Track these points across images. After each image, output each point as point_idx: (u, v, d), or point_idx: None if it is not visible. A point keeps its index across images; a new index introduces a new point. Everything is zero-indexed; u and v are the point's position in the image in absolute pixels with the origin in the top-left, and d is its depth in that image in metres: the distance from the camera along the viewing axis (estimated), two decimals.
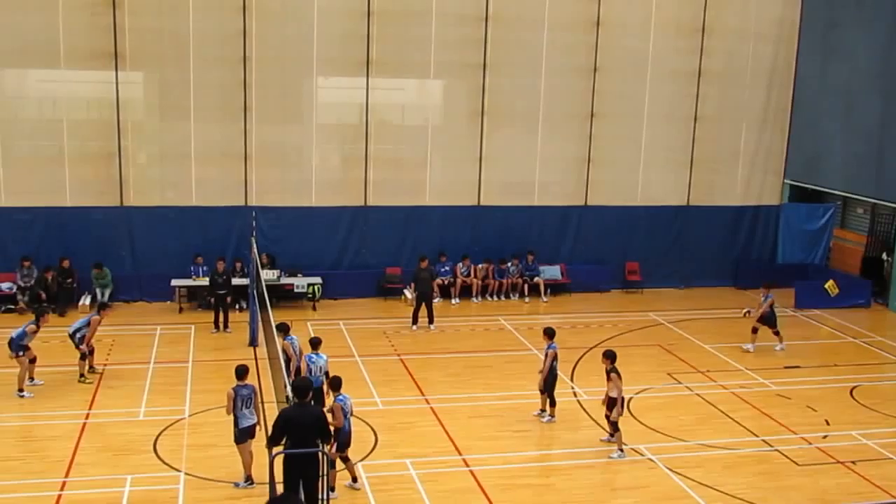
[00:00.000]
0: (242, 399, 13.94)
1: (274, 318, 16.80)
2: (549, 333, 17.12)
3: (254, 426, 14.07)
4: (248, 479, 14.06)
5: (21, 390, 17.72)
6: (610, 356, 15.88)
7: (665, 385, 19.35)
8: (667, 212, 27.65)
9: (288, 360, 15.83)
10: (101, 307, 19.44)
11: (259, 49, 24.47)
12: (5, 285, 23.71)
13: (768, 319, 21.82)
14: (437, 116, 26.86)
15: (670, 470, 15.12)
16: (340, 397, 13.72)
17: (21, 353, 17.83)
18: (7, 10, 23.13)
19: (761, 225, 28.64)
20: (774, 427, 17.17)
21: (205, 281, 23.42)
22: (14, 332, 18.02)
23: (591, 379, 18.78)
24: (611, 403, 15.66)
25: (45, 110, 24.62)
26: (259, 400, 14.32)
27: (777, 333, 21.90)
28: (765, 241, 28.76)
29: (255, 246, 20.93)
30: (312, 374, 15.62)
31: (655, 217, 27.47)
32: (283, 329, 16.56)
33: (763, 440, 16.54)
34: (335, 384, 13.75)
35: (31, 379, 18.14)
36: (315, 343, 16.12)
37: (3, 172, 23.80)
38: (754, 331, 21.84)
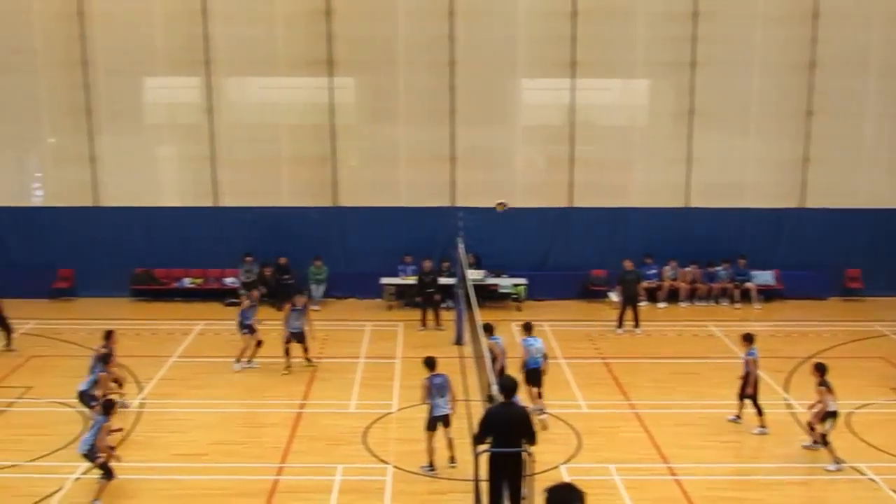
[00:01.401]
0: (437, 388, 14.42)
1: (480, 317, 16.99)
2: (749, 339, 16.55)
3: (447, 416, 14.46)
4: (430, 466, 14.50)
5: (238, 360, 19.38)
6: (820, 369, 15.19)
7: (889, 400, 18.14)
8: (893, 215, 25.89)
9: (493, 360, 15.99)
10: (291, 297, 20.35)
11: (465, 52, 24.84)
12: (229, 280, 25.21)
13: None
14: (642, 117, 26.37)
15: (895, 492, 14.16)
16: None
17: (246, 332, 19.40)
18: (231, 22, 24.59)
19: None
20: None
21: (413, 280, 24.03)
22: (240, 315, 19.53)
23: (806, 390, 17.77)
24: (823, 416, 14.94)
25: (265, 115, 25.94)
26: (453, 390, 14.73)
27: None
28: None
29: (461, 246, 21.24)
30: (530, 356, 16.45)
31: (880, 220, 25.74)
32: (489, 329, 16.78)
33: None
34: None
35: (249, 361, 19.46)
36: (528, 327, 17.00)
37: (228, 174, 25.31)
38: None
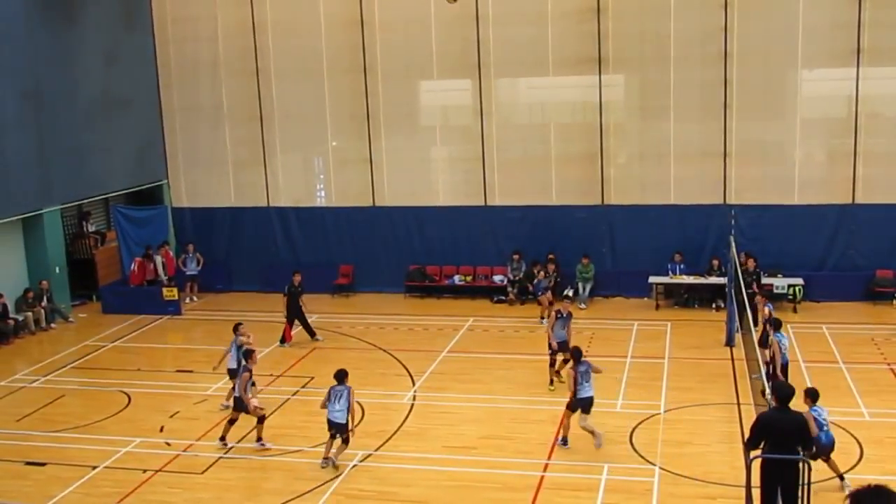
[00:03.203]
0: (582, 375, 15.17)
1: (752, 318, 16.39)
2: None
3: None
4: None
5: (542, 318, 22.45)
6: None
7: None
8: None
9: (771, 359, 15.42)
10: None
11: (741, 44, 23.93)
12: (497, 277, 25.75)
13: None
14: None
15: None
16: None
17: (542, 294, 22.95)
18: (502, 25, 25.06)
19: None
20: None
21: (681, 279, 23.71)
22: (536, 284, 23.70)
23: None
24: None
25: (534, 115, 26.28)
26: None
27: None
28: None
29: (733, 245, 20.55)
30: (783, 353, 16.28)
31: None
32: (775, 325, 16.32)
33: None
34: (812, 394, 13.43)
35: (542, 319, 22.31)
36: (777, 324, 16.49)
37: (498, 174, 25.87)
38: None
